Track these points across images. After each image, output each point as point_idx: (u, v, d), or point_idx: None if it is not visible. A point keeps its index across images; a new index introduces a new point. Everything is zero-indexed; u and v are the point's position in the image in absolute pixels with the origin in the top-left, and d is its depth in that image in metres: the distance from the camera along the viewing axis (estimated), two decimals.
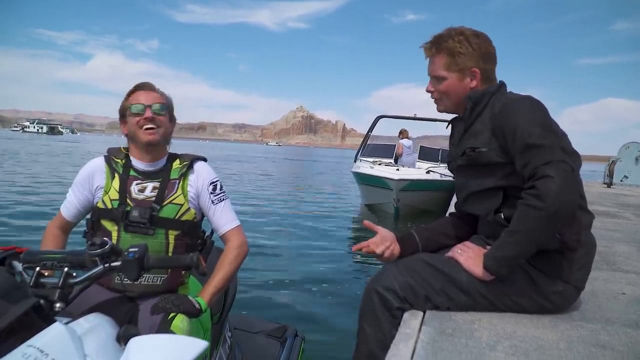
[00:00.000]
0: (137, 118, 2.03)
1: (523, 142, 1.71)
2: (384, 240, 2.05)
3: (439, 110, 2.12)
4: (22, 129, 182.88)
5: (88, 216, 2.10)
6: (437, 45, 1.98)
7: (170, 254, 1.97)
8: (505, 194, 1.87)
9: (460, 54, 1.93)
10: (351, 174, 14.79)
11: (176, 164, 2.10)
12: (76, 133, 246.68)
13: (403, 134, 14.70)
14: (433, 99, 2.09)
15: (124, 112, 2.08)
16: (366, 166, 13.25)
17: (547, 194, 1.60)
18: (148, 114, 2.04)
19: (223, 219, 2.10)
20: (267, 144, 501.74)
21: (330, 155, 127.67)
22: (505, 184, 1.86)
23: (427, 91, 2.08)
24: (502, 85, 2.00)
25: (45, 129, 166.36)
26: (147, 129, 2.03)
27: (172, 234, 1.99)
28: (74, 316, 1.39)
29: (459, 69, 1.95)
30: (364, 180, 13.13)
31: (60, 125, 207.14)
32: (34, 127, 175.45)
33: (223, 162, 38.73)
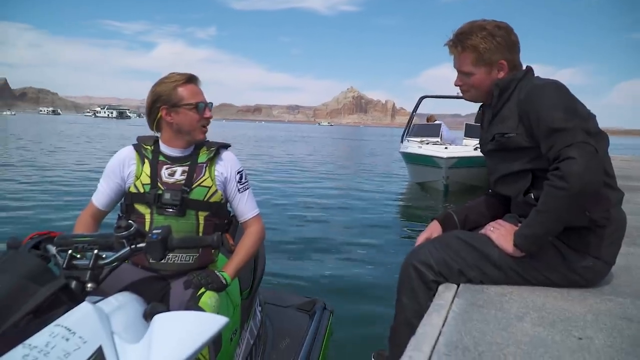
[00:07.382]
0: (198, 116, 2.09)
1: (547, 126, 1.79)
2: (431, 230, 2.24)
3: (467, 99, 2.20)
4: (94, 114, 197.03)
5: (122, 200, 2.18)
6: (462, 44, 2.03)
7: (200, 234, 2.06)
8: (534, 175, 1.94)
9: (485, 49, 1.99)
10: (399, 153, 14.78)
11: (203, 150, 2.15)
12: (142, 117, 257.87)
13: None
14: (461, 90, 2.16)
15: (174, 101, 2.05)
16: (414, 146, 13.19)
17: (570, 175, 1.67)
18: (208, 114, 2.13)
19: (247, 207, 2.20)
20: (319, 124, 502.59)
21: (380, 133, 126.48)
22: (532, 167, 1.93)
23: (456, 85, 2.15)
24: (529, 71, 2.05)
25: (114, 113, 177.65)
26: (204, 126, 2.13)
27: (201, 215, 2.07)
28: (109, 295, 1.45)
29: (485, 63, 2.02)
30: (413, 159, 13.16)
31: (128, 109, 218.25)
32: (105, 112, 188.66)
33: (278, 142, 39.20)
